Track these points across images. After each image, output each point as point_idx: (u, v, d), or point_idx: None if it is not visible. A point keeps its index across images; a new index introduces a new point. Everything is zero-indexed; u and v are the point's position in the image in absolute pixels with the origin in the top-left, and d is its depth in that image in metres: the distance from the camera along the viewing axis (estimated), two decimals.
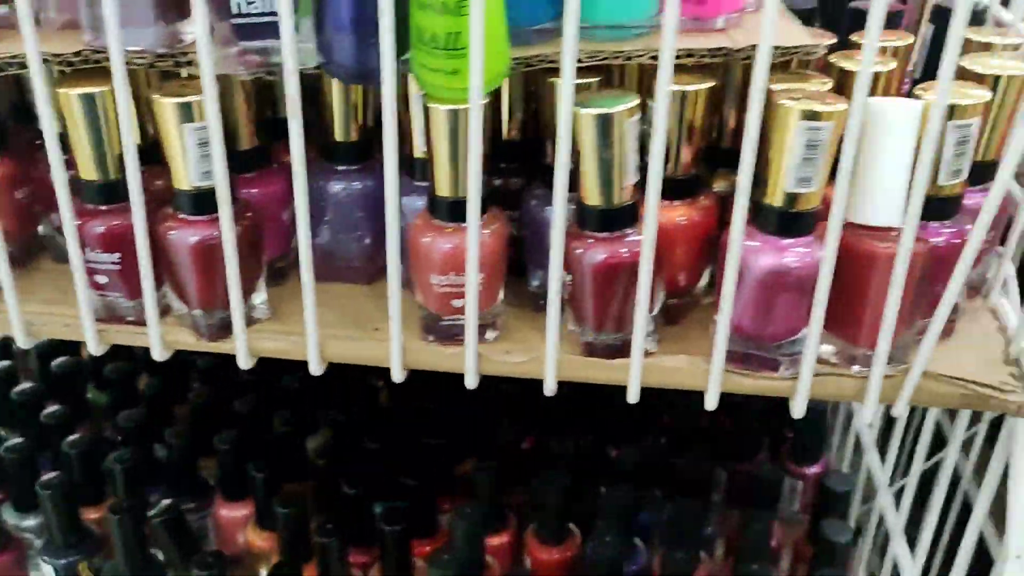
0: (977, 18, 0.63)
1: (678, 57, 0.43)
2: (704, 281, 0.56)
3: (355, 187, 0.56)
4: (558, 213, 0.46)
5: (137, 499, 0.70)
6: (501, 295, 0.53)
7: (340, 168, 0.56)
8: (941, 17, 0.57)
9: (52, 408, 0.80)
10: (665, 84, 0.42)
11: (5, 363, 0.86)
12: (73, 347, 0.87)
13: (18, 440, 0.74)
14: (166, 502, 0.70)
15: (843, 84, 0.50)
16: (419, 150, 0.53)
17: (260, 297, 0.54)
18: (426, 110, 0.46)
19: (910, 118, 0.45)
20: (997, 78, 0.49)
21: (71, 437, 0.74)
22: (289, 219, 0.55)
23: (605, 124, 0.45)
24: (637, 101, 0.45)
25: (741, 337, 0.50)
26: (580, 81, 0.46)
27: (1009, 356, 0.52)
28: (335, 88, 0.53)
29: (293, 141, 0.45)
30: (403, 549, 0.68)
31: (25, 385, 0.82)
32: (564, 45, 0.41)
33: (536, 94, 0.53)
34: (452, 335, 0.52)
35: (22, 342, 0.55)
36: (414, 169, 0.53)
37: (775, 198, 0.46)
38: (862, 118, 0.42)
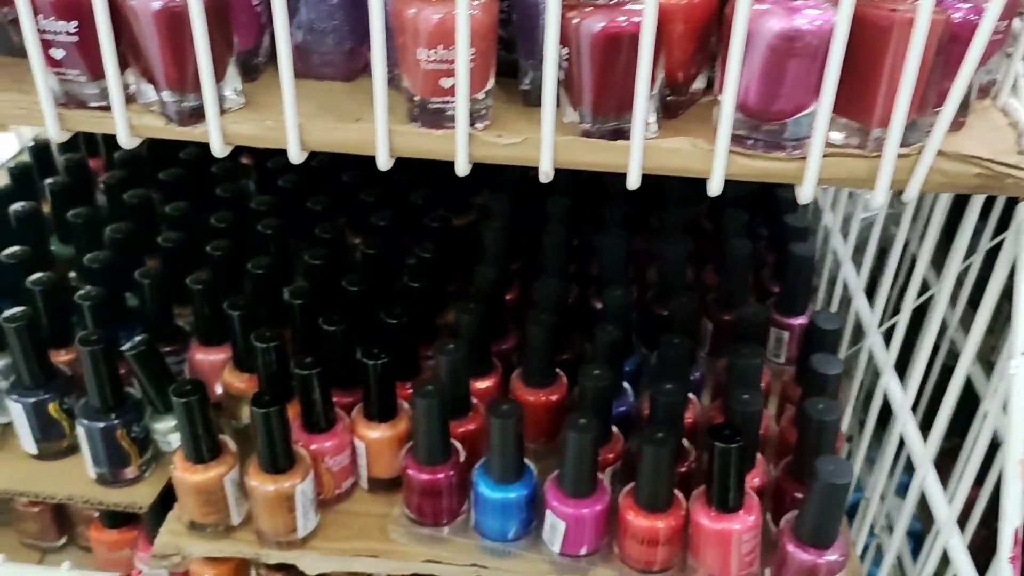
0: None
1: None
2: (702, 83, 0.53)
3: None
4: None
5: (109, 332, 0.67)
6: (491, 82, 0.49)
7: None
8: None
9: (14, 249, 0.75)
10: None
11: None
12: (32, 195, 0.83)
13: None
14: (139, 337, 0.67)
15: None
16: None
17: (232, 85, 0.50)
18: None
19: None
20: None
21: (35, 276, 0.70)
22: (262, 7, 0.52)
23: None
24: None
25: (747, 115, 0.47)
26: None
27: (1021, 147, 0.50)
28: None
29: None
30: (387, 386, 0.66)
31: None
32: None
33: None
34: (440, 120, 0.49)
35: None
36: None
37: None
38: None
